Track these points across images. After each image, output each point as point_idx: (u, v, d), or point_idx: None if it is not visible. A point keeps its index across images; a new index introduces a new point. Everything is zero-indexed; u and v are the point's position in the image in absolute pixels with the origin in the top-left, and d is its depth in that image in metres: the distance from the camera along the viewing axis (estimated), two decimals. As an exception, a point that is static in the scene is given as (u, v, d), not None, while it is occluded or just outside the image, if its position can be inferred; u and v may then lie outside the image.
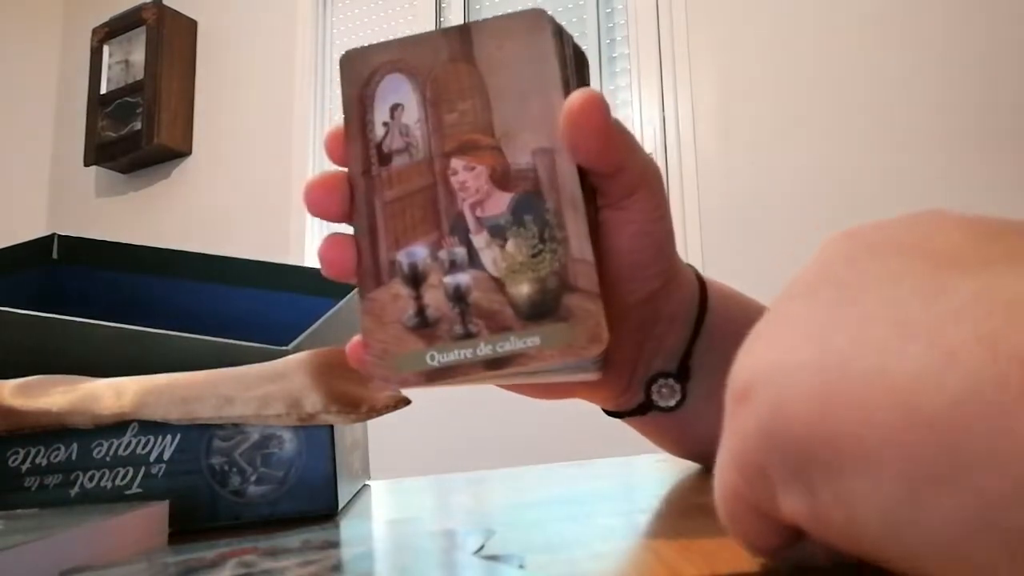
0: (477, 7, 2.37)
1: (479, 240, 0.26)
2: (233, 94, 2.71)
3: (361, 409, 0.35)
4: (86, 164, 2.81)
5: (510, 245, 0.25)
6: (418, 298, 0.25)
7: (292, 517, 0.35)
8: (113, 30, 2.82)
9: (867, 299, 0.15)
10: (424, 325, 0.25)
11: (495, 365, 0.24)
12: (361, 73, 0.28)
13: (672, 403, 0.32)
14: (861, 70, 1.79)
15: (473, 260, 0.26)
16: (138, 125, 2.69)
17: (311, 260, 2.43)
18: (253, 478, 0.35)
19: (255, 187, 2.59)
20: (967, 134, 1.67)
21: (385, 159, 0.27)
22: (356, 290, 0.27)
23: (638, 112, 2.04)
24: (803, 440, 0.14)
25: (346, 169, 0.28)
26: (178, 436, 0.35)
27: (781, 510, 0.15)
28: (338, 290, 0.57)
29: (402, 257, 0.26)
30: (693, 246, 1.91)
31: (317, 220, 2.47)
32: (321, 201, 0.27)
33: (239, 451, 0.35)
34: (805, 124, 1.85)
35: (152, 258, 0.63)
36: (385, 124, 0.28)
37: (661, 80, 2.02)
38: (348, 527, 0.30)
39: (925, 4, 1.74)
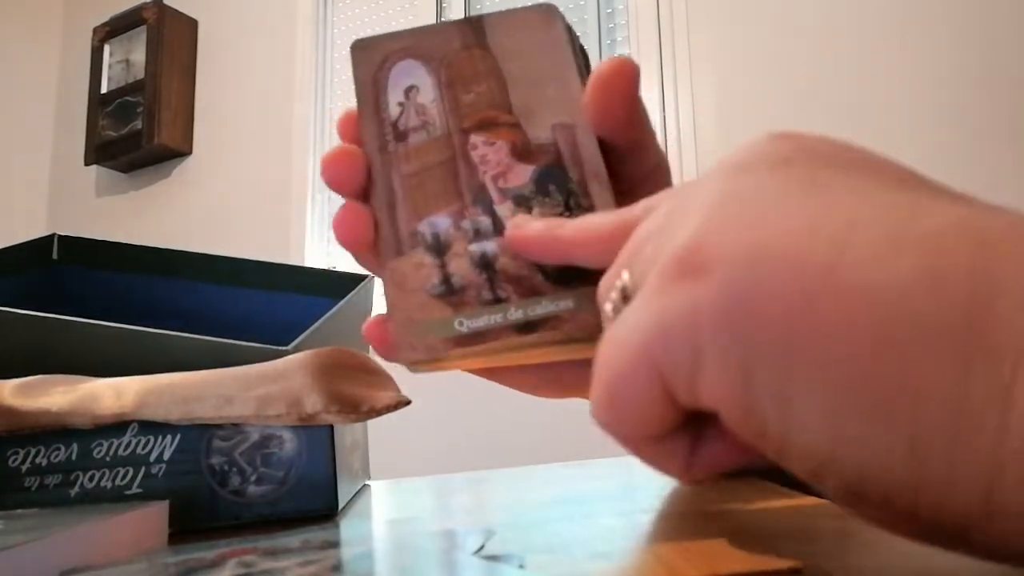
0: (478, 7, 2.37)
1: (503, 209, 0.25)
2: (233, 94, 2.71)
3: (361, 409, 0.35)
4: (86, 163, 2.81)
5: (536, 213, 0.25)
6: (443, 266, 0.25)
7: (292, 517, 0.35)
8: (114, 29, 2.82)
9: (846, 194, 0.15)
10: (451, 292, 0.24)
11: (527, 329, 0.24)
12: (373, 59, 0.28)
13: None
14: (861, 70, 1.79)
15: (498, 228, 0.25)
16: (138, 124, 2.69)
17: (311, 260, 2.43)
18: (253, 478, 0.35)
19: (255, 187, 2.59)
20: (966, 134, 1.67)
21: (401, 136, 0.27)
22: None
23: (638, 112, 2.04)
24: (767, 333, 0.14)
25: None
26: (178, 436, 0.35)
27: (699, 391, 0.15)
28: (338, 290, 0.57)
29: (424, 227, 0.25)
30: (693, 246, 1.91)
31: (318, 221, 2.47)
32: (339, 173, 0.26)
33: (239, 451, 0.35)
34: (805, 124, 1.85)
35: (152, 258, 0.63)
36: (400, 104, 0.27)
37: (662, 80, 2.02)
38: (348, 527, 0.30)
39: (926, 5, 1.74)
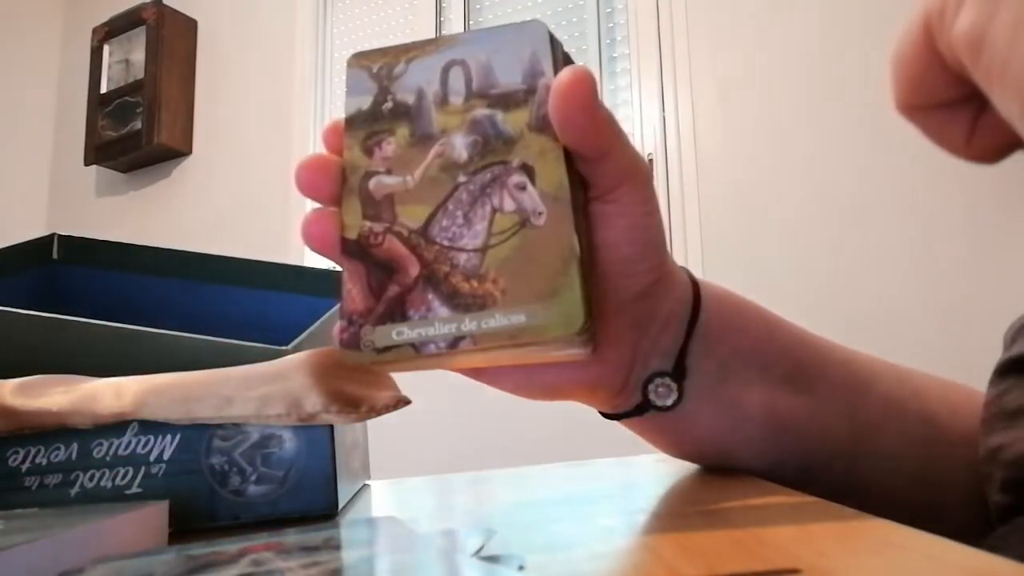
0: (477, 6, 2.37)
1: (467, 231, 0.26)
2: (233, 94, 2.71)
3: (361, 409, 0.35)
4: (86, 164, 2.81)
5: (494, 226, 0.26)
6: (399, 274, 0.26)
7: (292, 517, 0.35)
8: (113, 30, 2.82)
9: None
10: (402, 303, 0.25)
11: (479, 342, 0.24)
12: (368, 75, 0.29)
13: (669, 402, 0.32)
14: (862, 69, 1.79)
15: (460, 240, 0.26)
16: (138, 125, 2.69)
17: (311, 260, 2.43)
18: (253, 478, 0.35)
19: (255, 187, 2.59)
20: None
21: (382, 148, 0.28)
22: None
23: (638, 111, 2.04)
24: None
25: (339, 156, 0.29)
26: (178, 436, 0.35)
27: (952, 36, 0.17)
28: (338, 290, 0.57)
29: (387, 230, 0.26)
30: (693, 246, 1.91)
31: (317, 220, 2.47)
32: (312, 181, 0.28)
33: (239, 451, 0.35)
34: (805, 123, 1.85)
35: (152, 258, 0.63)
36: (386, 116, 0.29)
37: (661, 80, 2.02)
38: (348, 527, 0.30)
39: (925, 4, 1.74)
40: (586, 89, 0.26)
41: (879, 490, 0.34)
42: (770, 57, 1.90)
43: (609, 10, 2.16)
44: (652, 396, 0.32)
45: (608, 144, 0.27)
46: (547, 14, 2.24)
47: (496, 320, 0.24)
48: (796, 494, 0.27)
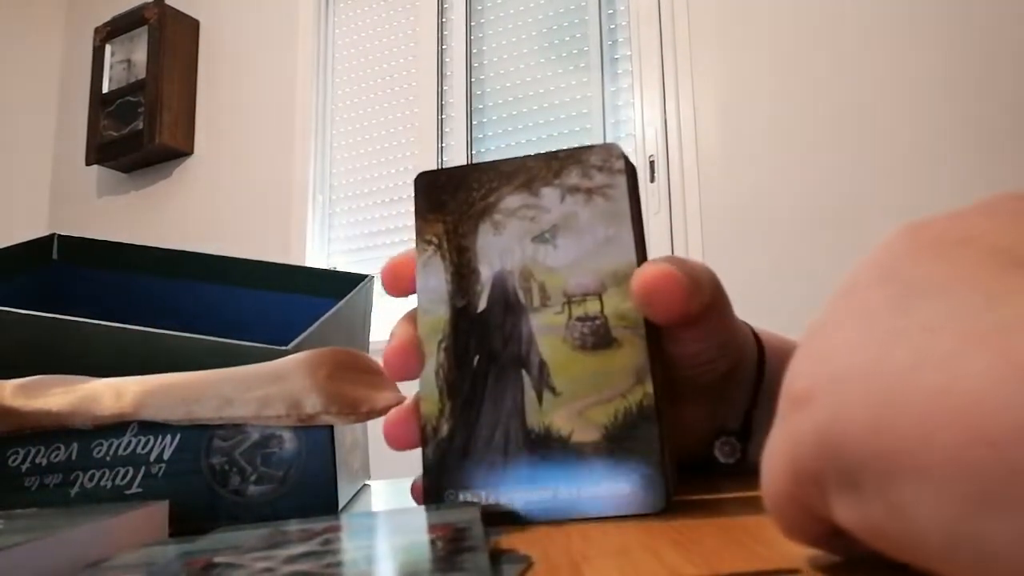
0: (479, 7, 2.37)
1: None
2: (235, 94, 2.71)
3: (361, 410, 0.35)
4: (87, 164, 2.82)
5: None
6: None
7: (292, 517, 0.35)
8: (115, 29, 2.83)
9: (931, 305, 0.14)
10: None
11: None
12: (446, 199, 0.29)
13: (732, 460, 0.33)
14: (863, 73, 1.79)
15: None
16: (140, 125, 2.69)
17: (311, 260, 2.43)
18: (253, 478, 0.35)
19: (256, 187, 2.59)
20: (968, 138, 1.67)
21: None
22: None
23: (639, 113, 2.04)
24: (859, 450, 0.14)
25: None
26: (178, 436, 0.35)
27: (834, 516, 0.15)
28: (338, 290, 0.57)
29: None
30: (694, 247, 1.91)
31: (318, 220, 2.47)
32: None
33: (239, 451, 0.35)
34: (807, 126, 1.84)
35: (153, 258, 0.63)
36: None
37: (663, 81, 2.02)
38: (349, 521, 0.30)
39: (931, 9, 1.74)
40: (672, 289, 0.26)
41: None
42: (771, 58, 1.90)
43: (611, 12, 2.16)
44: (717, 452, 0.33)
45: (694, 312, 0.27)
46: (549, 15, 2.25)
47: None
48: (796, 495, 0.27)
